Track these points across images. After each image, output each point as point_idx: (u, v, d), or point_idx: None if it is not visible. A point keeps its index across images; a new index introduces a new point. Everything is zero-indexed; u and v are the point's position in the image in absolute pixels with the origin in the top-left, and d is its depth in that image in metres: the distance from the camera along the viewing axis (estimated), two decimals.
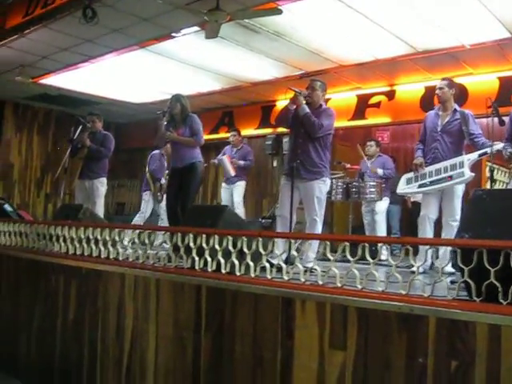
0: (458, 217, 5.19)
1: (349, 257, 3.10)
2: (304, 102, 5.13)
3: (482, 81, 8.45)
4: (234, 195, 8.51)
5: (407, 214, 8.74)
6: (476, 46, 7.37)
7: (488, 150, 5.10)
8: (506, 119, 4.92)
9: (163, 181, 8.34)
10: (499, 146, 5.10)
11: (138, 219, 8.39)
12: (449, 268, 4.64)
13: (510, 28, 6.75)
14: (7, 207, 7.56)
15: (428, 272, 4.80)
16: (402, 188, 5.75)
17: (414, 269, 3.07)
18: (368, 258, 3.04)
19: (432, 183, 5.34)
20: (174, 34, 7.45)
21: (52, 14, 6.51)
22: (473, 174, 5.13)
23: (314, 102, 5.23)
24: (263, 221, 9.13)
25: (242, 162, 8.59)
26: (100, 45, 7.95)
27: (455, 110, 5.47)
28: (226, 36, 7.21)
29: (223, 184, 8.83)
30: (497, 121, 4.74)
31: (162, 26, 7.19)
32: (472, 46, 7.40)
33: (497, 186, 7.33)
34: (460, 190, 5.31)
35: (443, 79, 5.65)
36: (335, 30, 7.15)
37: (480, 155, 5.18)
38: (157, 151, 8.68)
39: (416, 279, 2.93)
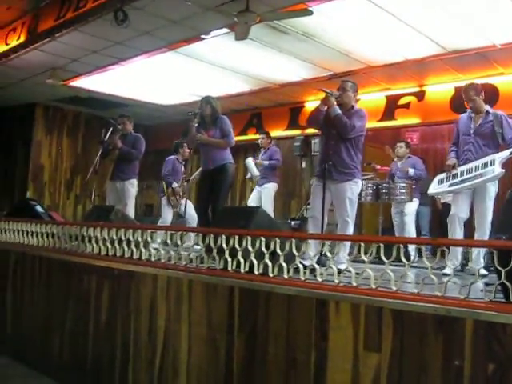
0: (490, 218, 5.14)
1: (383, 258, 3.08)
2: (335, 102, 5.11)
3: None
4: (263, 198, 8.52)
5: (437, 216, 8.66)
6: (507, 45, 7.29)
7: None
8: None
9: (175, 185, 8.31)
10: None
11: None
12: (482, 270, 4.61)
13: None
14: (39, 208, 7.65)
15: (458, 274, 4.76)
16: (434, 188, 5.72)
17: (447, 271, 3.07)
18: (403, 259, 3.02)
19: (462, 182, 5.30)
20: (203, 36, 7.49)
21: (84, 17, 6.59)
22: (503, 171, 5.06)
23: (345, 103, 5.21)
24: (292, 222, 9.13)
25: (266, 162, 8.61)
26: (130, 47, 8.02)
27: (487, 111, 5.42)
28: (254, 37, 7.22)
29: (256, 185, 8.89)
30: None
31: (191, 28, 7.23)
32: (503, 46, 7.32)
33: None
34: (492, 190, 5.24)
35: (468, 87, 5.55)
36: (364, 31, 7.12)
37: (511, 153, 5.11)
38: (172, 156, 8.66)
39: (452, 281, 2.90)
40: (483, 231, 5.09)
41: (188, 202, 8.21)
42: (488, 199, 5.21)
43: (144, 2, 6.24)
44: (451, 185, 5.42)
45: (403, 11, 6.43)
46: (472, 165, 5.28)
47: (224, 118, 6.09)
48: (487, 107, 5.47)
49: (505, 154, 5.12)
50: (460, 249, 4.74)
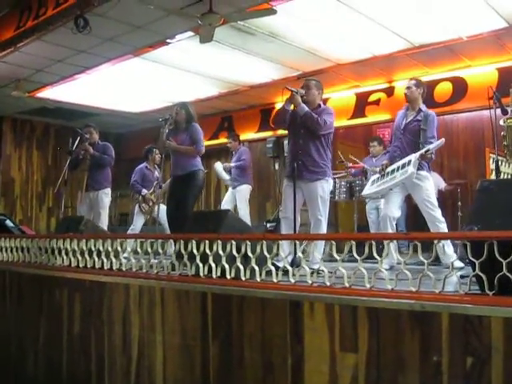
0: (433, 211, 5.26)
1: (356, 256, 3.02)
2: (300, 100, 5.06)
3: (480, 73, 8.38)
4: (237, 201, 8.44)
5: (413, 211, 8.64)
6: (473, 37, 7.29)
7: (431, 146, 5.23)
8: (509, 109, 4.86)
9: (144, 192, 8.13)
10: (440, 142, 5.29)
11: (130, 233, 8.22)
12: (458, 262, 4.58)
13: (507, 17, 6.68)
14: (8, 223, 7.51)
15: (433, 267, 4.74)
16: (367, 189, 5.85)
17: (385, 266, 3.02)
18: (376, 255, 2.97)
19: (384, 183, 5.45)
20: (168, 41, 7.39)
21: (44, 25, 6.44)
22: (414, 171, 5.14)
23: (310, 101, 5.17)
24: (268, 225, 9.07)
25: (232, 164, 8.58)
26: (94, 55, 7.89)
27: (420, 109, 5.48)
28: (220, 40, 7.15)
29: (229, 189, 8.83)
30: (499, 111, 4.66)
31: (155, 33, 7.12)
32: (469, 38, 7.32)
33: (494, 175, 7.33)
34: (425, 184, 5.33)
35: (411, 79, 5.71)
36: (330, 29, 7.08)
37: (422, 155, 5.20)
38: (141, 165, 8.49)
39: (426, 275, 2.85)
40: (435, 229, 5.18)
41: (162, 207, 8.09)
42: (426, 197, 5.29)
43: (104, 8, 6.12)
44: (378, 186, 5.56)
45: (369, 7, 6.40)
46: (396, 164, 5.40)
47: (195, 125, 6.08)
48: (422, 106, 5.53)
49: (418, 153, 5.21)
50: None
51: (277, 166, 10.99)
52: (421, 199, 5.32)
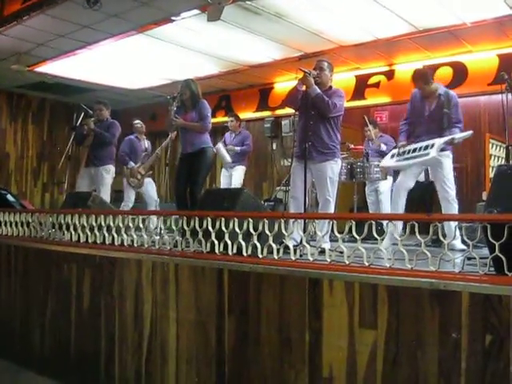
0: (451, 190, 5.35)
1: (375, 235, 3.09)
2: (313, 82, 5.09)
3: (481, 58, 8.47)
4: (233, 179, 8.48)
5: (411, 191, 8.73)
6: (476, 23, 7.34)
7: (456, 136, 5.27)
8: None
9: (131, 164, 8.01)
10: (467, 134, 5.34)
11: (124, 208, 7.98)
12: (460, 244, 4.69)
13: (511, 4, 6.72)
14: (10, 197, 7.49)
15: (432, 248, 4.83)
16: (385, 162, 5.99)
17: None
18: (396, 236, 3.05)
19: (406, 159, 5.53)
20: (173, 18, 7.36)
21: None
22: (435, 154, 5.21)
23: (322, 82, 5.20)
24: (265, 204, 9.11)
25: (238, 148, 8.55)
26: (98, 30, 7.84)
27: (440, 94, 5.49)
28: (226, 18, 7.11)
29: (223, 170, 8.80)
30: (510, 96, 4.73)
31: (161, 10, 7.09)
32: (472, 24, 7.37)
33: (493, 161, 7.42)
34: (446, 162, 5.41)
35: (417, 76, 5.72)
36: (336, 10, 7.08)
37: (446, 142, 5.27)
38: (131, 136, 8.38)
39: (446, 255, 2.93)
40: (449, 206, 5.27)
41: (149, 181, 8.10)
42: (445, 175, 5.36)
43: None
44: (397, 161, 5.65)
45: None
46: (418, 145, 5.46)
47: (204, 102, 6.09)
48: (439, 88, 5.56)
49: (441, 141, 5.26)
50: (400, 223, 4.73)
51: (274, 146, 11.04)
52: (439, 176, 5.39)
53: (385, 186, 7.57)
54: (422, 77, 5.61)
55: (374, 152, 7.75)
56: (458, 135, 5.30)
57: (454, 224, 4.36)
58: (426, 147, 5.31)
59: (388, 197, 7.66)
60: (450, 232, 4.45)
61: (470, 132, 5.41)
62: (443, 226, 4.49)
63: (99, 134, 7.16)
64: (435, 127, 5.41)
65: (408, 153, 5.50)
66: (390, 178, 7.59)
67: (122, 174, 8.25)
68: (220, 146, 8.60)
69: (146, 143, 8.36)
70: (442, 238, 2.96)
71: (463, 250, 4.11)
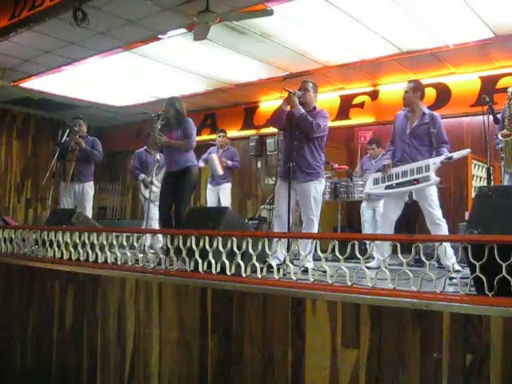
0: (437, 213, 5.25)
1: (358, 255, 3.12)
2: (297, 102, 5.13)
3: (463, 80, 8.60)
4: (222, 198, 8.43)
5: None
6: (459, 46, 7.48)
7: (454, 155, 5.25)
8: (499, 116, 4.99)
9: (142, 176, 7.81)
10: (465, 152, 5.36)
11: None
12: (457, 265, 4.70)
13: (494, 28, 6.86)
14: None
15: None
16: (370, 188, 5.83)
17: (372, 264, 3.08)
18: (378, 255, 3.08)
19: (398, 185, 5.41)
20: (160, 36, 7.40)
21: (40, 16, 6.41)
22: (438, 179, 5.21)
23: (307, 102, 5.24)
24: (250, 222, 9.11)
25: (230, 163, 8.51)
26: (84, 47, 7.86)
27: (424, 112, 5.50)
28: (212, 38, 7.15)
29: (208, 185, 8.65)
30: (491, 118, 4.80)
31: (148, 28, 7.14)
32: (455, 46, 7.50)
33: (475, 181, 7.49)
34: (432, 188, 5.33)
35: (409, 82, 5.70)
36: (322, 31, 7.17)
37: (442, 162, 5.23)
38: (140, 149, 8.19)
39: (427, 275, 2.96)
40: (435, 227, 5.23)
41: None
42: (429, 196, 5.30)
43: (102, 1, 6.13)
44: (387, 187, 5.53)
45: (361, 12, 6.51)
46: (407, 168, 5.38)
47: (189, 120, 6.09)
48: (424, 108, 5.56)
49: (438, 159, 5.24)
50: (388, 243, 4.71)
51: (259, 165, 11.08)
52: (423, 197, 5.32)
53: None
54: (413, 85, 5.58)
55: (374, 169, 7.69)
56: (457, 153, 5.28)
57: (444, 246, 4.41)
58: (419, 170, 5.25)
59: None
60: (442, 253, 4.47)
61: (468, 150, 5.43)
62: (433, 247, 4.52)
63: (90, 152, 7.17)
64: (418, 146, 5.40)
65: (397, 177, 5.43)
66: None
67: (139, 191, 8.11)
68: (214, 156, 8.44)
69: (158, 155, 8.24)
70: (423, 258, 2.99)
71: (458, 271, 4.10)
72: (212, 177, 8.57)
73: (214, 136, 9.21)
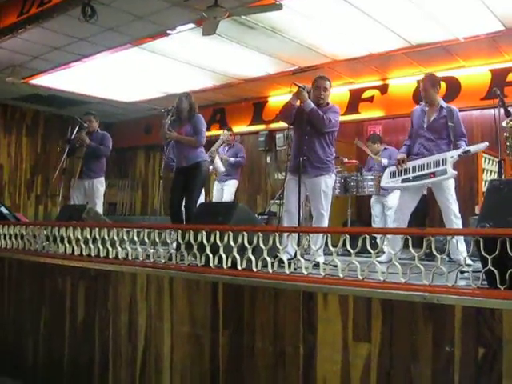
0: (454, 207, 5.25)
1: (370, 249, 3.11)
2: (307, 97, 5.13)
3: (474, 73, 8.56)
4: (224, 195, 8.49)
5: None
6: (469, 39, 7.44)
7: (472, 148, 5.23)
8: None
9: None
10: (482, 145, 5.32)
11: None
12: (468, 260, 4.68)
13: (504, 20, 6.82)
14: (3, 209, 7.48)
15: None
16: (386, 181, 5.83)
17: (382, 258, 3.06)
18: (389, 249, 3.07)
19: (415, 179, 5.40)
20: (168, 32, 7.41)
21: (49, 12, 6.44)
22: (455, 172, 5.18)
23: (324, 102, 5.25)
24: (259, 217, 9.11)
25: (232, 159, 8.53)
26: (93, 43, 7.89)
27: (441, 106, 5.47)
28: (221, 32, 7.17)
29: (215, 182, 8.79)
30: (503, 112, 4.77)
31: (157, 24, 7.15)
32: (465, 39, 7.46)
33: (485, 175, 7.45)
34: (450, 181, 5.32)
35: (426, 77, 5.67)
36: (331, 25, 7.16)
37: (460, 155, 5.21)
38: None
39: (438, 269, 2.95)
40: (450, 222, 5.20)
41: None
42: (446, 189, 5.29)
43: None
44: (404, 180, 5.52)
45: (370, 5, 6.50)
46: (424, 161, 5.36)
47: (199, 116, 6.12)
48: (441, 101, 5.53)
49: (455, 153, 5.22)
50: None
51: (268, 160, 11.08)
52: (441, 192, 5.30)
53: (393, 200, 7.45)
54: (431, 78, 5.57)
55: (378, 166, 7.69)
56: (474, 147, 5.26)
57: (455, 240, 4.38)
58: (436, 164, 5.22)
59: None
60: (453, 247, 4.45)
61: (486, 143, 5.40)
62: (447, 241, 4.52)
63: (95, 148, 7.21)
64: (436, 139, 5.38)
65: (413, 171, 5.41)
66: (396, 192, 7.55)
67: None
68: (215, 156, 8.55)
69: None
70: (435, 252, 2.98)
71: (469, 265, 4.07)
72: (217, 173, 8.66)
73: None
